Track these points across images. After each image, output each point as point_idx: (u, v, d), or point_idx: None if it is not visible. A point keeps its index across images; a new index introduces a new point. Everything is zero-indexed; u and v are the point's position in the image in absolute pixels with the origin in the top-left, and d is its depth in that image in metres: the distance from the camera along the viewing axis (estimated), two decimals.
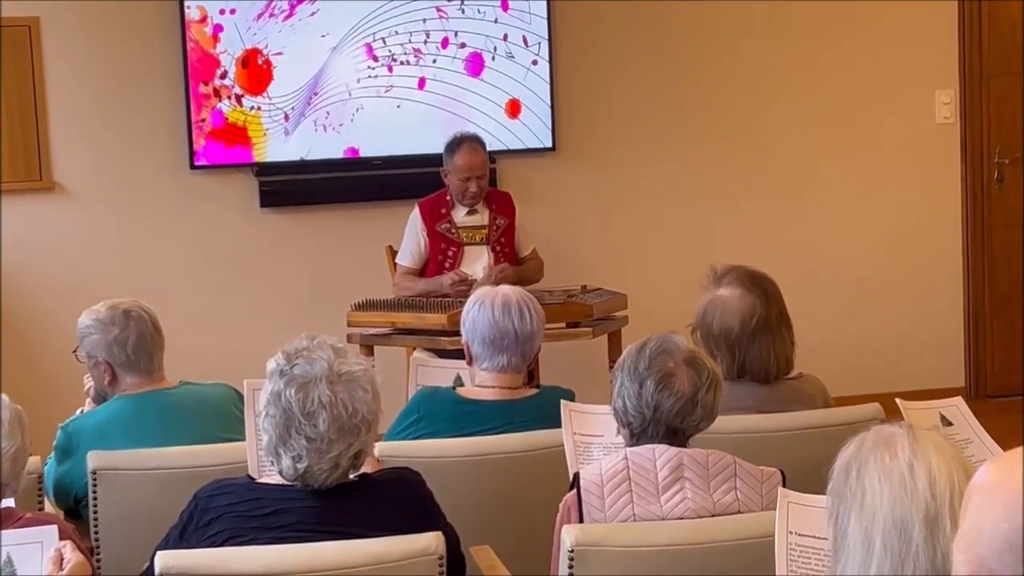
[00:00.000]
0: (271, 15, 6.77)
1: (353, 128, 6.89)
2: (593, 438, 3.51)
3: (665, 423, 3.15)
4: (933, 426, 3.38)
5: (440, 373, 4.38)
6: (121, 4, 6.66)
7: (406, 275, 6.32)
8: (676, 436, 3.16)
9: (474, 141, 6.32)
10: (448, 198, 6.30)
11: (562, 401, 3.64)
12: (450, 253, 6.26)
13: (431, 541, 2.98)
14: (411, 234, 6.33)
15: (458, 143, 6.28)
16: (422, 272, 6.31)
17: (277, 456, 3.00)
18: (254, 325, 6.73)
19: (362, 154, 6.92)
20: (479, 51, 6.99)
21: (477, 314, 3.96)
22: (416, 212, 6.32)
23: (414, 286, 6.22)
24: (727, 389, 3.83)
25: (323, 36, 6.83)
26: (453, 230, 6.27)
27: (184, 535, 3.06)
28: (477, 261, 6.26)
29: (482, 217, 6.32)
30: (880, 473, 2.08)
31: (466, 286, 5.98)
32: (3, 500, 2.98)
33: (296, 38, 6.80)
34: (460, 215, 6.29)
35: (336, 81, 6.86)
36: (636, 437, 3.18)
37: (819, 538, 2.62)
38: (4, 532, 2.80)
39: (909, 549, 2.02)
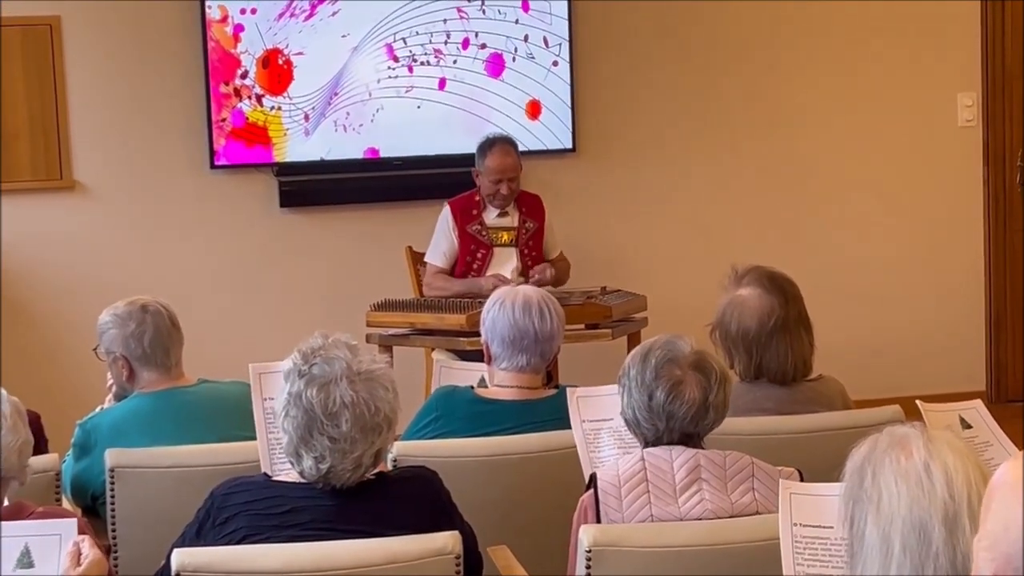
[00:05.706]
0: (292, 15, 6.77)
1: (373, 128, 6.89)
2: (602, 423, 3.49)
3: (679, 430, 3.14)
4: (947, 427, 3.36)
5: (464, 375, 4.35)
6: (142, 3, 6.66)
7: (439, 275, 6.28)
8: (691, 439, 3.16)
9: (506, 143, 6.30)
10: (479, 199, 6.28)
11: (567, 388, 3.63)
12: (479, 255, 6.24)
13: (448, 540, 2.98)
14: (443, 233, 6.30)
15: (490, 145, 6.26)
16: (451, 272, 6.29)
17: (298, 457, 2.99)
18: (273, 325, 6.73)
19: (382, 155, 6.92)
20: (499, 52, 6.98)
21: (497, 314, 3.95)
22: (447, 211, 6.30)
23: (450, 287, 6.17)
24: (745, 390, 3.84)
25: (344, 36, 6.83)
26: (484, 232, 6.25)
27: (200, 533, 3.06)
28: (506, 263, 6.25)
29: (512, 219, 6.30)
30: (896, 475, 2.06)
31: None
32: (9, 494, 2.96)
33: (317, 38, 6.80)
34: (491, 217, 6.28)
35: (356, 81, 6.86)
36: (651, 444, 3.18)
37: (824, 527, 2.60)
38: (23, 522, 2.79)
39: (929, 550, 2.01)
